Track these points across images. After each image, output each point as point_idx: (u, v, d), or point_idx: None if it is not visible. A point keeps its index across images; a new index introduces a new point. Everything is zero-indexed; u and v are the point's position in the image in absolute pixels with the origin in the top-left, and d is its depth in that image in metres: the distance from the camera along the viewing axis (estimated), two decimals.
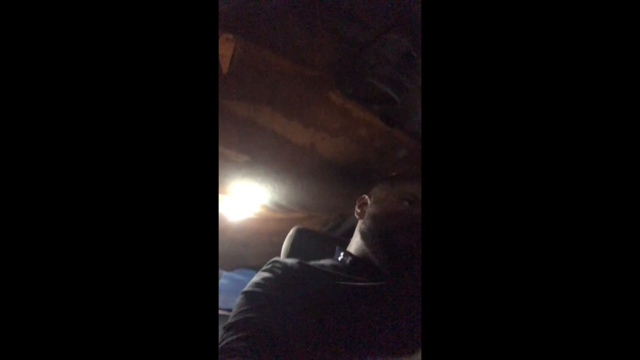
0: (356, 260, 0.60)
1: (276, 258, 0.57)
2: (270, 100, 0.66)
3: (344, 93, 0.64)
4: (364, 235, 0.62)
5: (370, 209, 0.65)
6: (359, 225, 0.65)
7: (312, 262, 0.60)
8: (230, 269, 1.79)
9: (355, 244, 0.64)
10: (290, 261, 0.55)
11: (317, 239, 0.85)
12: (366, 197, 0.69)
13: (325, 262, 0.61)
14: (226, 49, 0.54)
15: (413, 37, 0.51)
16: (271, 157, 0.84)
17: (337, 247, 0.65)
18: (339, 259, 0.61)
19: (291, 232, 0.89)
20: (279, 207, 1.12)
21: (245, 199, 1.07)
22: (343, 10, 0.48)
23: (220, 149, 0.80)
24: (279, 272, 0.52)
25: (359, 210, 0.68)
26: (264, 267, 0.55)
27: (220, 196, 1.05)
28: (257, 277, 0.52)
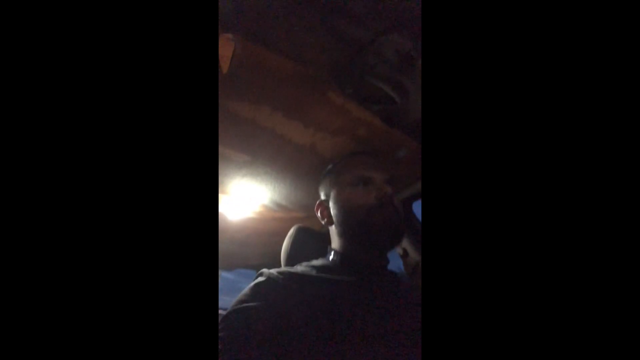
0: (344, 258, 0.61)
1: (262, 270, 0.57)
2: (270, 100, 0.66)
3: (344, 93, 0.64)
4: (340, 234, 0.63)
5: (333, 211, 0.65)
6: (331, 229, 0.66)
7: (303, 264, 0.61)
8: (230, 269, 1.79)
9: (336, 243, 0.64)
10: (275, 272, 0.56)
11: (317, 238, 0.85)
12: (322, 201, 0.69)
13: (317, 262, 0.62)
14: (226, 49, 0.54)
15: (413, 37, 0.51)
16: (271, 157, 0.84)
17: (328, 247, 0.66)
18: (330, 258, 0.62)
19: (291, 231, 0.89)
20: (279, 206, 1.12)
21: (245, 198, 1.07)
22: (343, 10, 0.48)
23: (221, 148, 0.80)
24: (262, 284, 0.52)
25: (322, 218, 0.68)
26: (250, 284, 0.55)
27: (220, 196, 1.05)
28: (241, 294, 0.52)
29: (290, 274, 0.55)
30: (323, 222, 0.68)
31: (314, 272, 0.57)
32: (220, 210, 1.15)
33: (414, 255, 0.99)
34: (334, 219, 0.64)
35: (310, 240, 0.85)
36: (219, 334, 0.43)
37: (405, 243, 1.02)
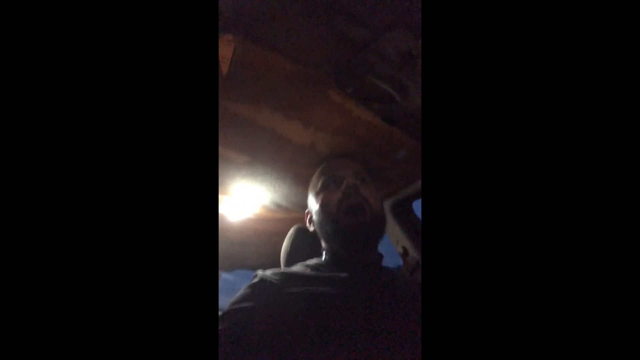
0: (333, 256, 0.62)
1: (257, 271, 0.58)
2: (270, 100, 0.66)
3: (344, 92, 0.64)
4: (322, 235, 0.66)
5: (313, 216, 0.69)
6: (318, 232, 0.68)
7: (299, 264, 0.63)
8: (230, 269, 1.79)
9: (324, 243, 0.67)
10: (269, 272, 0.57)
11: (316, 238, 0.85)
12: (309, 209, 0.72)
13: (312, 261, 0.64)
14: (226, 49, 0.54)
15: (413, 36, 0.51)
16: (271, 157, 0.84)
17: (321, 247, 0.68)
18: (323, 258, 0.64)
19: (291, 231, 0.89)
20: (279, 207, 1.12)
21: (245, 199, 1.07)
22: (343, 10, 0.48)
23: (221, 149, 0.80)
24: (256, 285, 0.54)
25: (309, 224, 0.72)
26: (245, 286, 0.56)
27: (220, 196, 1.05)
28: (235, 296, 0.54)
29: (284, 274, 0.56)
30: (310, 229, 0.71)
31: (308, 271, 0.58)
32: (220, 211, 1.15)
33: (414, 255, 0.99)
34: (314, 222, 0.67)
35: (310, 241, 0.85)
36: None
37: (405, 242, 1.01)
